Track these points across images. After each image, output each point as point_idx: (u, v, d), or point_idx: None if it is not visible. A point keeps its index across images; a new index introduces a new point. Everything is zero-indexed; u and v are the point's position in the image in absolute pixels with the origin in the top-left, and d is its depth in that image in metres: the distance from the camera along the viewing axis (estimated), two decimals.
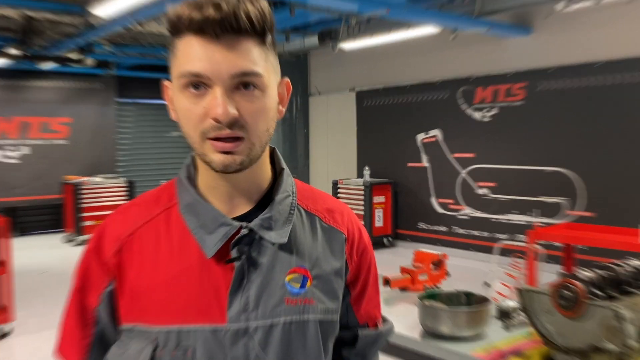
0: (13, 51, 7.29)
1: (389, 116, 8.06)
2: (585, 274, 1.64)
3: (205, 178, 0.87)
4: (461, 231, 7.24)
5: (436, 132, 7.47)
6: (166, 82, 0.85)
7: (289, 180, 0.92)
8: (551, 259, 4.85)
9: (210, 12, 0.76)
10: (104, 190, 8.33)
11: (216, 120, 0.77)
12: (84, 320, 0.88)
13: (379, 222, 7.71)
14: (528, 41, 6.46)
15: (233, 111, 0.77)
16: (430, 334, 1.95)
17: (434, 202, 7.55)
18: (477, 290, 2.19)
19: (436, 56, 7.40)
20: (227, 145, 0.78)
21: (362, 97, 8.46)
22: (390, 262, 6.14)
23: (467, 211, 7.16)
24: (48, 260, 7.20)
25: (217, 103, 0.76)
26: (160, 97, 0.89)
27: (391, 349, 1.93)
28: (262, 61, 0.80)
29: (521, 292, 1.75)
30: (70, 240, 8.17)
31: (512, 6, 5.87)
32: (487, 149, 6.90)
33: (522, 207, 6.58)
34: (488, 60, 6.86)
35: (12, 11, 6.46)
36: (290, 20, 6.50)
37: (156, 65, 9.10)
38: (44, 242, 8.44)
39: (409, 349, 1.92)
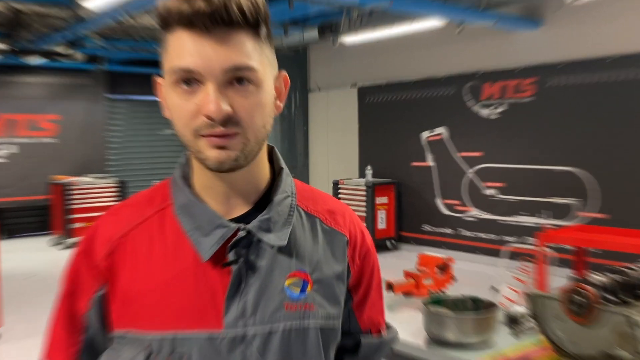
0: None
1: (392, 113, 8.06)
2: (597, 278, 1.64)
3: (200, 178, 0.88)
4: (468, 233, 7.24)
5: (441, 130, 7.47)
6: (159, 79, 0.86)
7: (288, 180, 0.92)
8: (561, 263, 4.86)
9: (200, 4, 0.76)
10: (94, 190, 8.32)
11: (209, 117, 0.77)
12: (73, 326, 0.88)
13: (381, 224, 7.71)
14: (537, 35, 6.46)
15: (226, 108, 0.77)
16: (436, 341, 1.95)
17: (439, 203, 7.55)
18: (484, 295, 2.19)
19: (441, 50, 7.40)
20: (221, 140, 0.78)
21: (364, 94, 8.46)
22: (393, 266, 6.14)
23: (474, 213, 7.16)
24: (36, 263, 7.20)
25: (209, 99, 0.76)
26: (153, 93, 0.89)
27: (395, 357, 1.93)
28: (256, 54, 0.80)
29: (530, 298, 1.76)
30: (58, 243, 8.17)
31: None
32: (494, 148, 6.90)
33: (531, 209, 6.58)
34: (496, 55, 6.86)
35: None
36: (288, 13, 6.50)
37: (149, 60, 9.09)
38: (31, 244, 8.43)
39: (413, 357, 1.92)
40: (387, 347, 1.01)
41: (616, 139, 5.88)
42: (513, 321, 2.04)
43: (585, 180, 6.13)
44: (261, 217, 0.86)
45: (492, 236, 6.96)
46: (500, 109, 6.83)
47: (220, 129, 0.78)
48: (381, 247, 7.61)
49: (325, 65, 9.13)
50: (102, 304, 0.86)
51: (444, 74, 7.37)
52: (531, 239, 6.10)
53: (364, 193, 7.68)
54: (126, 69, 9.41)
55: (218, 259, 0.84)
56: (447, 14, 6.10)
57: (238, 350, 0.82)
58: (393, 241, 7.84)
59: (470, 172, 7.18)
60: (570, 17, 6.18)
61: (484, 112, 6.99)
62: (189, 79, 0.78)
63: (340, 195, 7.87)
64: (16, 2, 6.40)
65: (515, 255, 5.21)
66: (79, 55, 8.08)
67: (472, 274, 6.21)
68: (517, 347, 1.92)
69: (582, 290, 1.61)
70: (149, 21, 6.92)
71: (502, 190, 6.87)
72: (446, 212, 7.48)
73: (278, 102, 0.88)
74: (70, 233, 8.01)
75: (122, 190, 8.51)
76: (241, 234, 0.84)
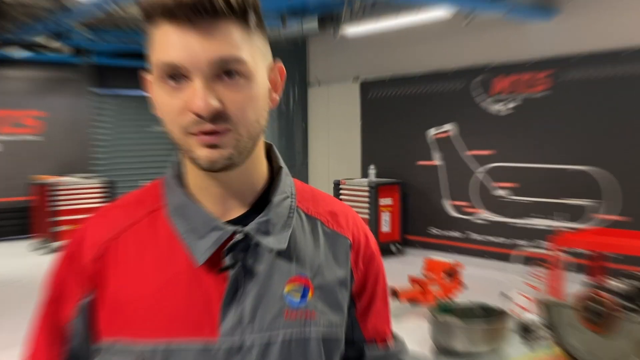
0: None
1: (396, 109, 8.06)
2: (616, 284, 1.64)
3: (194, 177, 0.88)
4: (477, 237, 7.24)
5: (449, 127, 7.47)
6: (147, 75, 0.86)
7: (287, 180, 0.92)
8: (576, 268, 4.85)
9: None
10: (81, 191, 8.32)
11: (197, 114, 0.77)
12: (56, 336, 0.88)
13: (385, 227, 7.71)
14: (551, 25, 6.46)
15: (215, 103, 0.77)
16: (443, 350, 1.95)
17: (446, 204, 7.55)
18: (494, 302, 2.19)
19: (449, 42, 7.40)
20: (212, 138, 0.78)
21: (367, 88, 8.46)
22: (398, 271, 6.13)
23: (484, 215, 7.16)
24: (16, 269, 7.19)
25: (196, 95, 0.76)
26: (143, 88, 0.89)
27: None
28: (245, 45, 0.79)
29: (544, 305, 1.75)
30: (39, 248, 8.13)
31: None
32: (505, 146, 6.90)
33: (544, 210, 6.58)
34: (507, 47, 6.86)
35: None
36: (286, 2, 6.50)
37: (139, 53, 9.07)
38: (10, 249, 8.40)
39: None
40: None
41: (638, 135, 5.86)
42: (525, 330, 2.04)
43: (601, 181, 6.13)
44: (259, 219, 0.85)
45: (503, 240, 6.96)
46: (511, 105, 6.84)
47: (209, 126, 0.77)
48: (385, 251, 7.61)
49: (325, 58, 9.13)
50: (89, 311, 0.86)
51: (451, 67, 7.37)
52: (544, 243, 6.10)
53: (367, 194, 7.68)
54: (114, 62, 9.41)
55: (213, 264, 0.83)
56: (454, 3, 6.10)
57: None
58: (398, 245, 7.84)
59: (479, 172, 7.18)
60: (587, 7, 6.18)
61: (495, 107, 6.99)
62: (176, 75, 0.78)
63: (341, 197, 7.87)
64: None
65: (527, 260, 5.21)
66: (64, 47, 8.07)
67: (481, 280, 6.20)
68: (529, 357, 1.92)
69: (600, 298, 1.61)
70: (139, 11, 6.91)
71: (514, 191, 6.87)
72: (454, 214, 7.48)
73: (274, 95, 0.88)
74: (54, 236, 7.99)
75: (111, 191, 8.50)
76: (238, 237, 0.84)
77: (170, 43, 0.77)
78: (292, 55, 9.09)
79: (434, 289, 5.18)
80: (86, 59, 8.93)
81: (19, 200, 8.83)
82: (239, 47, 0.78)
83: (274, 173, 0.92)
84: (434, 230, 7.71)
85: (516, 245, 6.61)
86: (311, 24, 7.47)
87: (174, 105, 0.79)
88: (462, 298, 5.07)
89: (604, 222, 6.05)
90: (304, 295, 0.86)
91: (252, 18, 0.81)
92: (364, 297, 0.95)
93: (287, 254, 0.87)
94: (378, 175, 7.99)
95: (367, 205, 7.63)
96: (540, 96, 6.58)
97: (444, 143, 7.54)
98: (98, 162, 9.77)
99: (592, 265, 4.56)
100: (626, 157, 5.95)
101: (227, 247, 0.83)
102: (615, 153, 6.02)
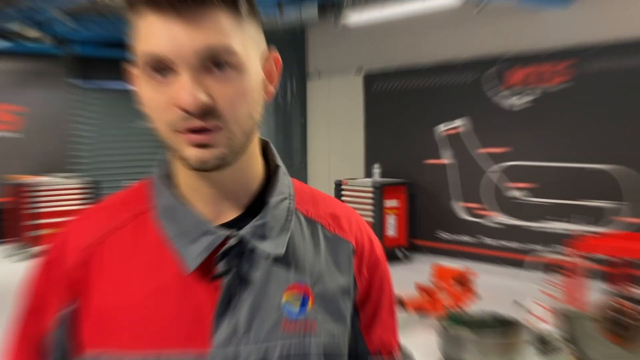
0: None
1: (402, 103, 8.07)
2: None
3: (184, 177, 0.88)
4: (490, 241, 7.24)
5: (459, 123, 7.48)
6: (132, 68, 0.85)
7: (285, 181, 0.92)
8: (596, 275, 4.86)
9: None
10: (62, 192, 8.32)
11: (184, 109, 0.76)
12: (35, 350, 0.88)
13: (391, 230, 7.72)
14: (570, 12, 6.46)
15: (203, 97, 0.76)
16: None
17: (457, 206, 7.56)
18: (508, 312, 2.19)
19: (459, 31, 7.41)
20: (201, 137, 0.78)
21: (371, 81, 8.47)
22: (404, 279, 6.14)
23: (497, 217, 7.16)
24: None
25: (183, 89, 0.76)
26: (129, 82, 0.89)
27: None
28: (236, 34, 0.79)
29: (562, 315, 1.75)
30: (14, 254, 8.08)
31: None
32: (520, 143, 6.90)
33: (562, 213, 6.58)
34: (521, 36, 6.86)
35: None
36: None
37: (126, 43, 9.07)
38: None
39: None
40: None
41: None
42: (542, 342, 2.04)
43: (623, 180, 6.12)
44: (255, 222, 0.85)
45: (518, 244, 6.97)
46: (527, 99, 6.84)
47: (198, 123, 0.77)
48: (391, 257, 7.62)
49: (326, 48, 9.13)
50: (71, 322, 0.86)
51: (462, 58, 7.37)
52: (562, 248, 6.10)
53: (371, 195, 7.68)
54: (99, 52, 9.40)
55: (205, 270, 0.83)
56: None
57: None
58: (404, 250, 7.84)
59: (492, 171, 7.19)
60: None
61: (509, 102, 6.99)
62: (162, 68, 0.78)
63: (343, 198, 7.88)
64: None
65: (544, 267, 5.21)
66: (44, 37, 8.06)
67: (494, 288, 6.21)
68: None
69: (623, 308, 1.61)
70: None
71: (530, 192, 6.87)
72: (465, 216, 7.49)
73: (269, 87, 0.87)
74: (32, 241, 7.98)
75: (94, 192, 8.50)
76: (232, 241, 0.83)
77: (154, 33, 0.77)
78: (290, 45, 9.09)
79: (444, 298, 5.19)
80: (68, 50, 8.93)
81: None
82: (229, 36, 0.78)
83: (271, 172, 0.92)
84: (444, 235, 7.71)
85: (532, 251, 6.61)
86: (311, 12, 7.46)
87: (160, 101, 0.78)
88: (473, 308, 5.08)
89: (627, 226, 6.05)
90: (303, 305, 0.86)
91: (244, 5, 0.80)
92: (368, 307, 0.95)
93: (285, 259, 0.86)
94: (383, 175, 7.99)
95: (371, 207, 7.64)
96: (558, 89, 6.58)
97: (454, 140, 7.54)
98: (80, 161, 9.76)
99: (615, 272, 4.57)
100: None
101: (220, 252, 0.83)
102: None
